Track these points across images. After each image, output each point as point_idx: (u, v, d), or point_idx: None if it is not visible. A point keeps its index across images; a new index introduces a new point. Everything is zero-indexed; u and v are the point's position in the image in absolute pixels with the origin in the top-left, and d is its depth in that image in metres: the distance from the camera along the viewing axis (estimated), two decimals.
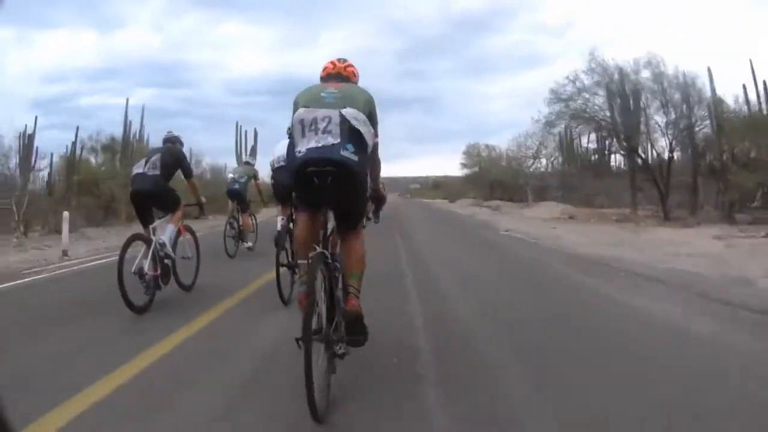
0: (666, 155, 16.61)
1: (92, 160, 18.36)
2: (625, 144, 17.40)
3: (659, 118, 16.66)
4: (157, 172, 4.42)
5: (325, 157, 2.29)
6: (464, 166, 37.86)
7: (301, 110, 2.40)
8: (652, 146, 16.81)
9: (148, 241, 4.25)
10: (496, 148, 34.50)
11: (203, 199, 5.17)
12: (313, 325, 2.10)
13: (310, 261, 2.25)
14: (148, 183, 4.37)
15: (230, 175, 8.65)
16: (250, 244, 7.90)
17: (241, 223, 7.83)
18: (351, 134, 2.34)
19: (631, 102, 16.82)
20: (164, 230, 4.44)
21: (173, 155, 4.69)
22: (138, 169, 4.54)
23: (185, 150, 5.26)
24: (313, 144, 2.32)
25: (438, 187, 52.81)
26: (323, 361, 2.19)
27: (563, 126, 19.75)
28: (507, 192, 28.86)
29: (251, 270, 5.79)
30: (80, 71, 48.49)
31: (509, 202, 26.36)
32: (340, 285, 2.50)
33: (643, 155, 16.83)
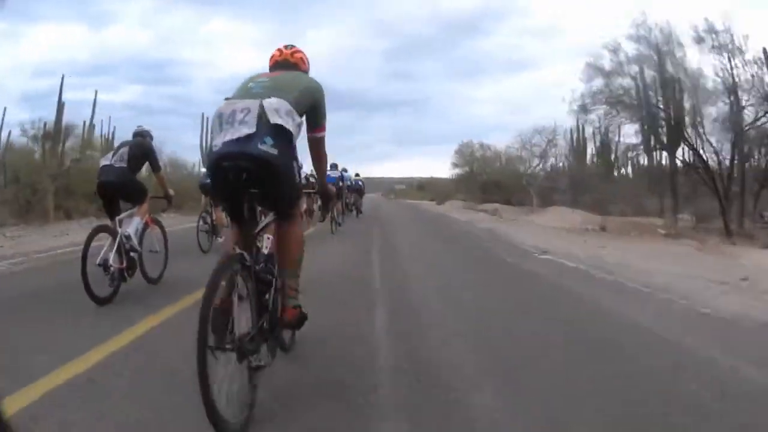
0: (723, 153, 13.46)
1: (36, 149, 16.44)
2: (670, 138, 13.75)
3: (713, 108, 13.24)
4: (124, 164, 4.47)
5: (239, 151, 2.16)
6: (456, 165, 35.81)
7: (222, 104, 2.30)
8: (708, 141, 13.54)
9: (113, 234, 4.27)
10: (491, 147, 33.21)
11: (172, 192, 5.20)
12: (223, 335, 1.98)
13: (220, 263, 2.05)
14: (113, 174, 4.42)
15: (203, 170, 8.64)
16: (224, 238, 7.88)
17: (214, 217, 7.82)
18: (270, 126, 2.20)
19: (684, 82, 13.36)
20: (130, 223, 4.47)
21: (141, 148, 4.74)
22: (105, 161, 4.59)
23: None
24: (228, 137, 2.18)
25: (423, 188, 52.52)
26: (241, 374, 2.04)
27: (600, 112, 15.73)
28: (503, 194, 27.31)
29: None
30: (69, 66, 47.73)
31: (506, 205, 24.29)
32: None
33: (702, 153, 13.59)
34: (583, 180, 21.95)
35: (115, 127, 19.16)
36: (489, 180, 29.56)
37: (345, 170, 17.47)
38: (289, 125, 2.25)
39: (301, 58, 2.75)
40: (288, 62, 2.69)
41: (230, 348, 1.97)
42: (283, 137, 2.25)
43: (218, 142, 2.22)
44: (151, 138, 5.09)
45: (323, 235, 10.22)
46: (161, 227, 5.13)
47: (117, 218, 4.46)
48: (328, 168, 17.41)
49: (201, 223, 7.78)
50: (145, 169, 5.00)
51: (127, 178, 4.52)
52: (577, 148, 23.56)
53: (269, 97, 2.25)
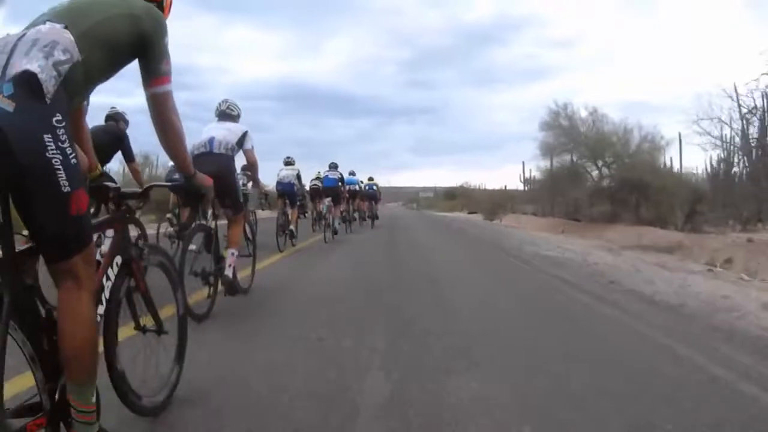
0: None
1: None
2: None
3: None
4: None
5: None
6: (547, 152, 19.00)
7: None
8: None
9: None
10: (602, 116, 17.44)
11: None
12: None
13: None
14: None
15: (171, 164, 7.87)
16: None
17: (183, 219, 7.17)
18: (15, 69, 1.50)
19: None
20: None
21: (111, 134, 4.37)
22: None
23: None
24: None
25: (455, 196, 46.69)
26: None
27: None
28: (652, 207, 14.52)
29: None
30: None
31: (648, 226, 13.32)
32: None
33: None
34: None
35: None
36: (620, 178, 15.45)
37: (353, 173, 15.93)
38: (38, 64, 1.47)
39: None
40: None
41: None
42: (32, 88, 1.45)
43: None
44: (126, 123, 4.72)
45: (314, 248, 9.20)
46: (141, 227, 4.72)
47: None
48: (327, 168, 15.19)
49: (167, 226, 6.88)
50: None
51: None
52: None
53: (44, 24, 1.61)
